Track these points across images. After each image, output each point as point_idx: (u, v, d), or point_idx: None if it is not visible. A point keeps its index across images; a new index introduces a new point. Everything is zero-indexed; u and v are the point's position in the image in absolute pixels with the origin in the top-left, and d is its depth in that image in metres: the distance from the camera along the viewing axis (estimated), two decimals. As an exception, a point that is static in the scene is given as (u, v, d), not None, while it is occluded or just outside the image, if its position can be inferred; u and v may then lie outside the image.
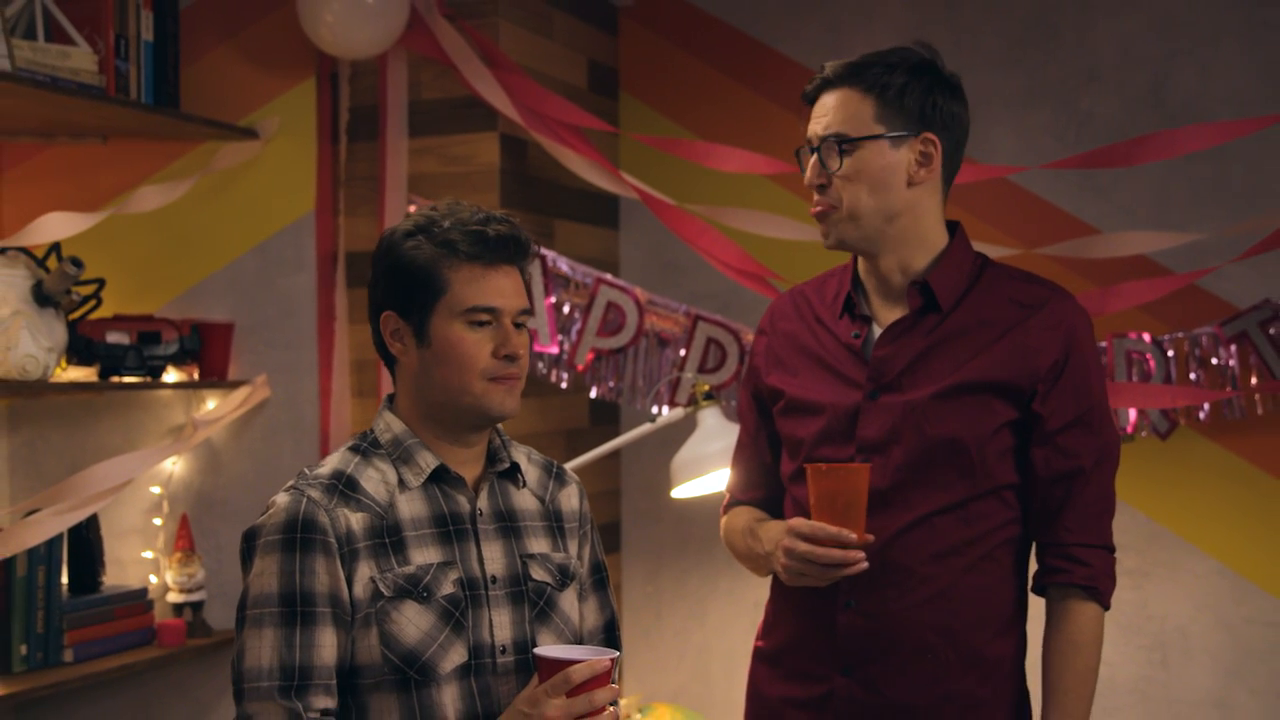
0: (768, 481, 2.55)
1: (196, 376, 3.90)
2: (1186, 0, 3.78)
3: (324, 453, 3.85)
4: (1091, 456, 2.35)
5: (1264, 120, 3.40)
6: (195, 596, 3.85)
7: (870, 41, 3.99)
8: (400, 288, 2.09)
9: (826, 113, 2.36)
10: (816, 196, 2.39)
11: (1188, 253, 3.65)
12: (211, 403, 3.92)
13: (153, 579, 3.90)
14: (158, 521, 3.93)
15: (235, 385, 3.91)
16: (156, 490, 3.93)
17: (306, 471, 2.10)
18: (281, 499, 2.04)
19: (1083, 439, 2.35)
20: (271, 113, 3.94)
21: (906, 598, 2.33)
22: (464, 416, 2.09)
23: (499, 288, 2.08)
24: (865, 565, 2.24)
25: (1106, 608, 2.37)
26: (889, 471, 2.33)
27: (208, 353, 3.91)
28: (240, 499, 3.94)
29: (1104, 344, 3.54)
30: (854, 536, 2.22)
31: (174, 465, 3.93)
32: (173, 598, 3.84)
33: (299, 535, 1.99)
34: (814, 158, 2.37)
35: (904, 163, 2.35)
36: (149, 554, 3.92)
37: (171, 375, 3.82)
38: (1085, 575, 2.35)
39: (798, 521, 2.27)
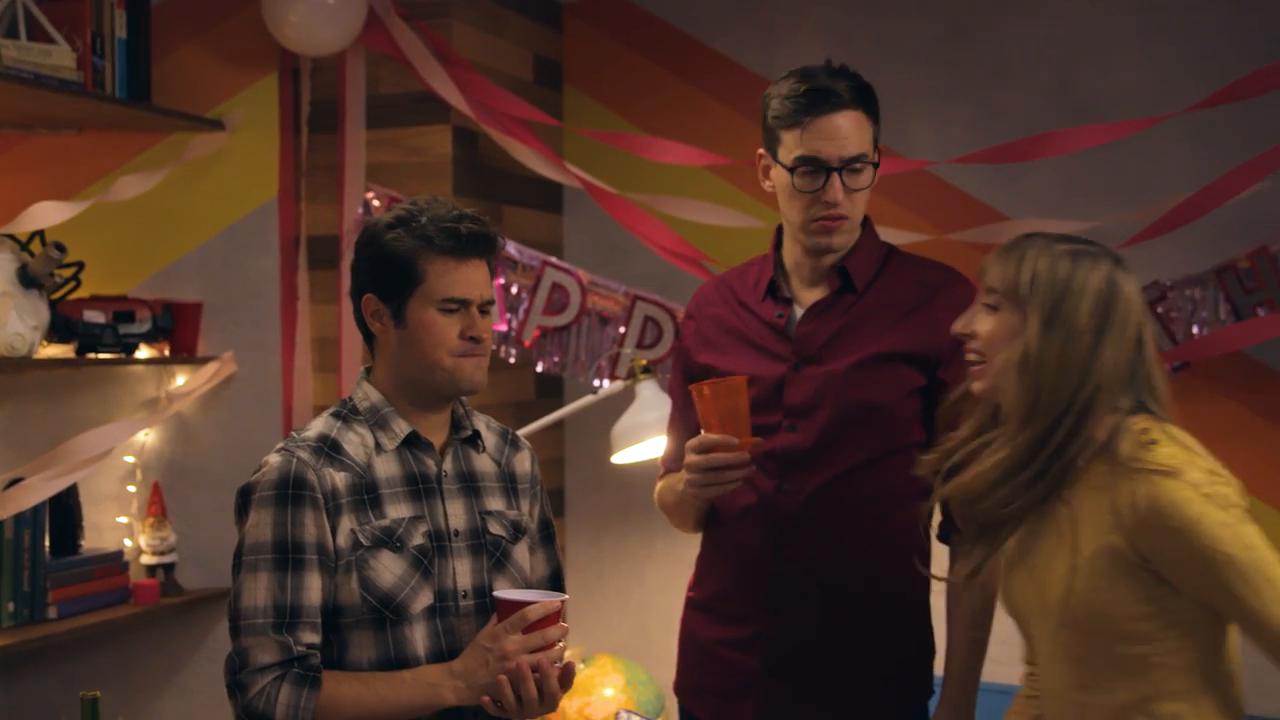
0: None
1: (168, 353, 4.13)
2: (1089, 6, 4.07)
3: (286, 423, 4.11)
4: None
5: (1145, 121, 3.71)
6: (167, 559, 4.09)
7: (799, 40, 4.28)
8: (381, 274, 2.34)
9: (846, 136, 2.56)
10: (828, 210, 2.58)
11: (1091, 237, 3.94)
12: (181, 378, 4.15)
13: (127, 542, 4.13)
14: (132, 489, 4.16)
15: (204, 361, 4.14)
16: (130, 459, 4.15)
17: (295, 435, 2.35)
18: (274, 459, 2.30)
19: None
20: (237, 105, 4.16)
21: (830, 544, 2.61)
22: (436, 389, 2.36)
23: (469, 280, 2.34)
24: (750, 467, 2.47)
25: None
26: (813, 433, 2.61)
27: (178, 331, 4.15)
28: (209, 467, 4.18)
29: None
30: (736, 441, 2.45)
31: (146, 436, 4.16)
32: (146, 560, 4.07)
33: (290, 491, 2.25)
34: (834, 177, 2.56)
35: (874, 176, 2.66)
36: (124, 519, 4.15)
37: (144, 352, 4.04)
38: None
39: (690, 441, 2.51)
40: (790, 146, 2.58)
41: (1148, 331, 2.20)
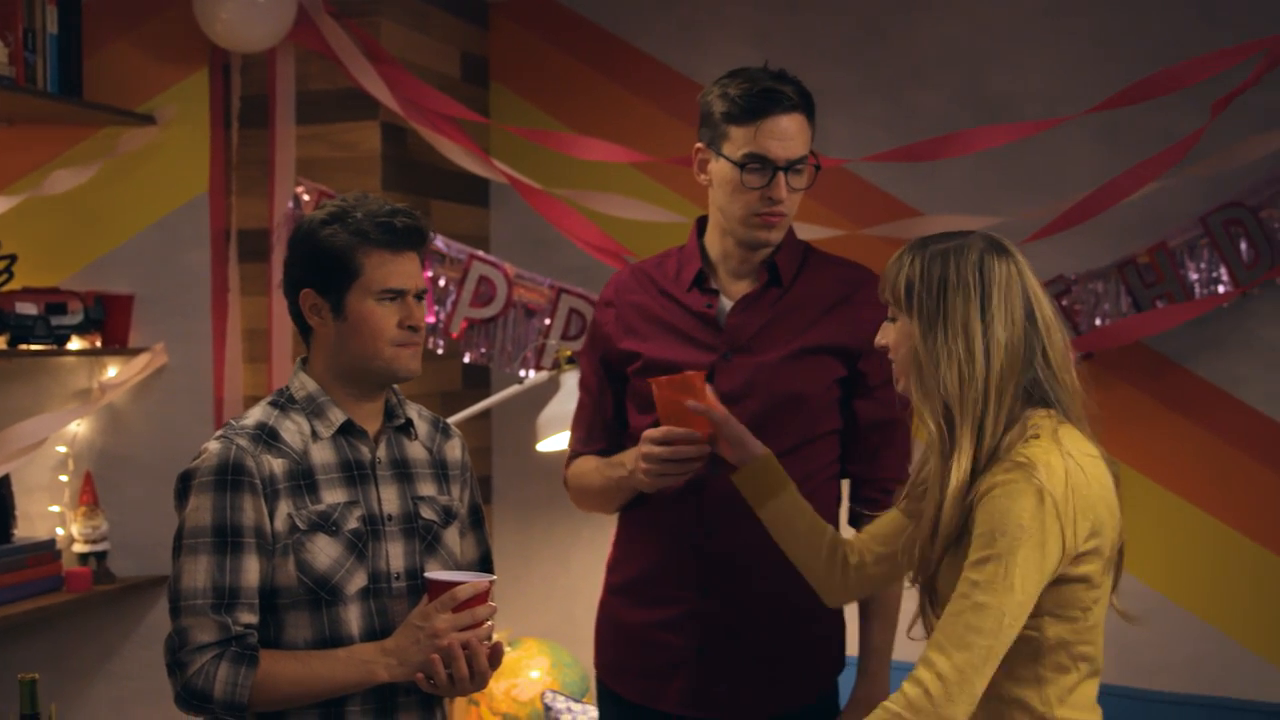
0: (608, 435, 2.90)
1: (99, 344, 4.19)
2: (1001, 7, 4.20)
3: (217, 414, 4.17)
4: (900, 408, 2.81)
5: (1047, 122, 3.85)
6: (99, 547, 4.16)
7: (720, 39, 4.38)
8: (318, 269, 2.43)
9: (793, 137, 2.69)
10: (771, 206, 2.70)
11: (998, 232, 4.05)
12: (113, 369, 4.21)
13: (60, 531, 4.19)
14: (64, 478, 4.22)
15: (135, 352, 4.20)
16: (63, 449, 4.21)
17: (234, 423, 2.44)
18: (214, 446, 2.38)
19: (894, 393, 2.79)
20: (168, 100, 4.22)
21: (757, 525, 2.70)
22: (373, 377, 2.45)
23: (405, 271, 2.44)
24: (705, 460, 2.59)
25: None
26: (744, 420, 2.68)
27: (110, 322, 4.21)
28: (141, 457, 4.24)
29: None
30: (699, 434, 2.57)
31: (78, 426, 4.22)
32: (78, 548, 4.14)
33: (229, 477, 2.34)
34: (780, 175, 2.68)
35: None
36: (56, 508, 4.22)
37: (76, 343, 4.10)
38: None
39: (649, 431, 2.61)
40: (739, 143, 2.69)
41: (1039, 304, 2.25)
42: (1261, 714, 3.62)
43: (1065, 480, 2.15)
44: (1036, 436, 2.19)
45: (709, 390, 2.59)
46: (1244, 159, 3.77)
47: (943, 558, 2.24)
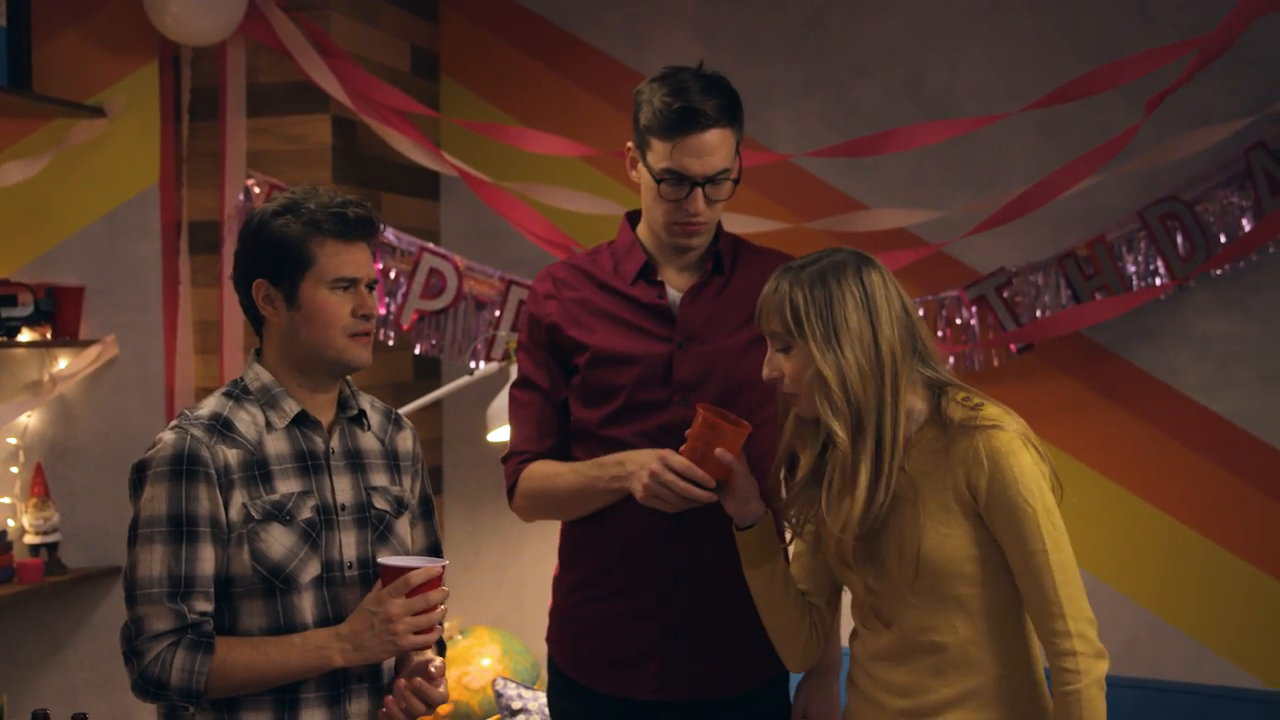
0: (559, 430, 2.88)
1: (50, 336, 4.20)
2: (941, 5, 4.28)
3: (169, 405, 4.20)
4: None
5: (984, 119, 3.93)
6: (51, 538, 4.17)
7: (666, 33, 4.44)
8: (271, 259, 2.46)
9: (712, 152, 2.70)
10: (687, 221, 2.73)
11: (939, 225, 4.16)
12: (64, 361, 4.22)
13: (10, 523, 4.19)
14: (15, 470, 4.23)
15: (86, 344, 4.21)
16: (13, 441, 4.22)
17: (188, 413, 2.46)
18: (168, 436, 2.41)
19: None
20: (118, 93, 4.24)
21: (723, 510, 2.73)
22: (327, 367, 2.49)
23: (357, 260, 2.49)
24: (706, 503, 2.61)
25: None
26: None
27: (60, 314, 4.22)
28: (92, 449, 4.26)
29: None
30: (713, 483, 2.58)
31: (29, 418, 4.23)
32: (30, 539, 4.15)
33: (185, 467, 2.37)
34: (697, 191, 2.70)
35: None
36: (7, 500, 4.22)
37: (26, 335, 4.11)
38: None
39: (672, 456, 2.59)
40: (659, 156, 2.71)
41: (906, 298, 2.46)
42: (1197, 695, 3.70)
43: (1025, 425, 2.42)
44: (980, 404, 2.41)
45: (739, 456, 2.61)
46: (1179, 154, 3.87)
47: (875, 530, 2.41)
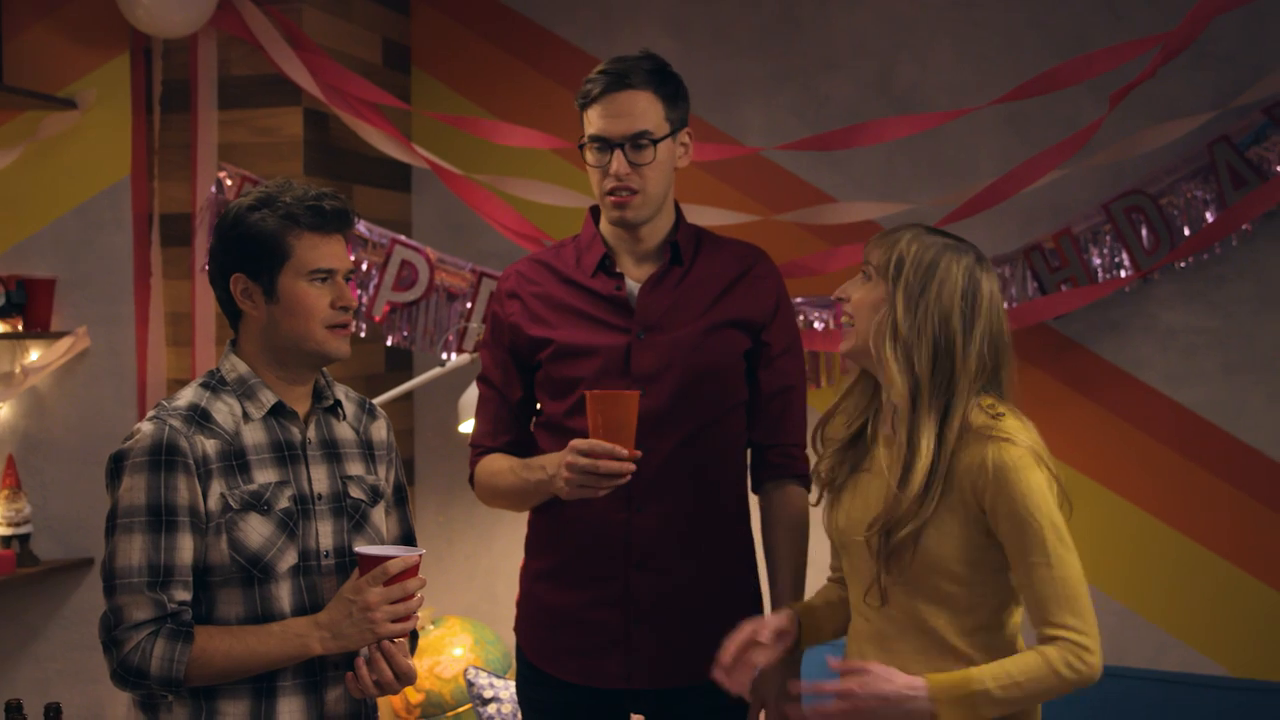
0: (514, 426, 2.95)
1: (21, 328, 4.20)
2: (910, 1, 4.31)
3: (141, 397, 4.20)
4: (798, 376, 2.94)
5: (951, 114, 3.97)
6: (23, 530, 4.16)
7: (638, 26, 4.46)
8: (249, 254, 2.48)
9: (626, 113, 2.77)
10: (616, 184, 2.79)
11: (907, 218, 4.17)
12: (35, 352, 4.22)
13: (-18, 514, 4.20)
14: (-14, 461, 4.23)
15: (58, 336, 4.22)
16: (-15, 433, 4.23)
17: (166, 404, 2.48)
18: (146, 427, 2.42)
19: (792, 362, 2.93)
20: (89, 85, 4.24)
21: (686, 496, 2.81)
22: (306, 359, 2.51)
23: (335, 252, 2.51)
24: (628, 478, 2.63)
25: (810, 491, 2.90)
26: (665, 396, 2.80)
27: (32, 306, 4.22)
28: (64, 440, 4.26)
29: (834, 297, 4.06)
30: (625, 451, 2.61)
31: (0, 410, 4.23)
32: (1, 531, 4.14)
33: (164, 457, 2.38)
34: (617, 152, 2.77)
35: (676, 153, 2.86)
36: (-23, 492, 4.22)
37: (-2, 327, 4.12)
38: (801, 466, 2.92)
39: (577, 441, 2.65)
40: (586, 126, 2.82)
41: (1008, 332, 2.49)
42: (1160, 681, 3.74)
43: (1041, 444, 2.43)
44: (1002, 414, 2.43)
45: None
46: (1144, 148, 3.92)
47: (914, 524, 2.41)
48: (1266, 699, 3.59)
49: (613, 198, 2.81)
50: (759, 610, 2.98)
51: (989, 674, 2.32)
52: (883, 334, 2.44)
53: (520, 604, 3.00)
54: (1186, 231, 3.97)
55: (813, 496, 2.72)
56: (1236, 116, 3.95)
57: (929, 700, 2.33)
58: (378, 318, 4.17)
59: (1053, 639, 2.33)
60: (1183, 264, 4.01)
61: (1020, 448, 2.37)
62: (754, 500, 2.96)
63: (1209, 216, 3.95)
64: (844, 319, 2.54)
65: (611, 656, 2.83)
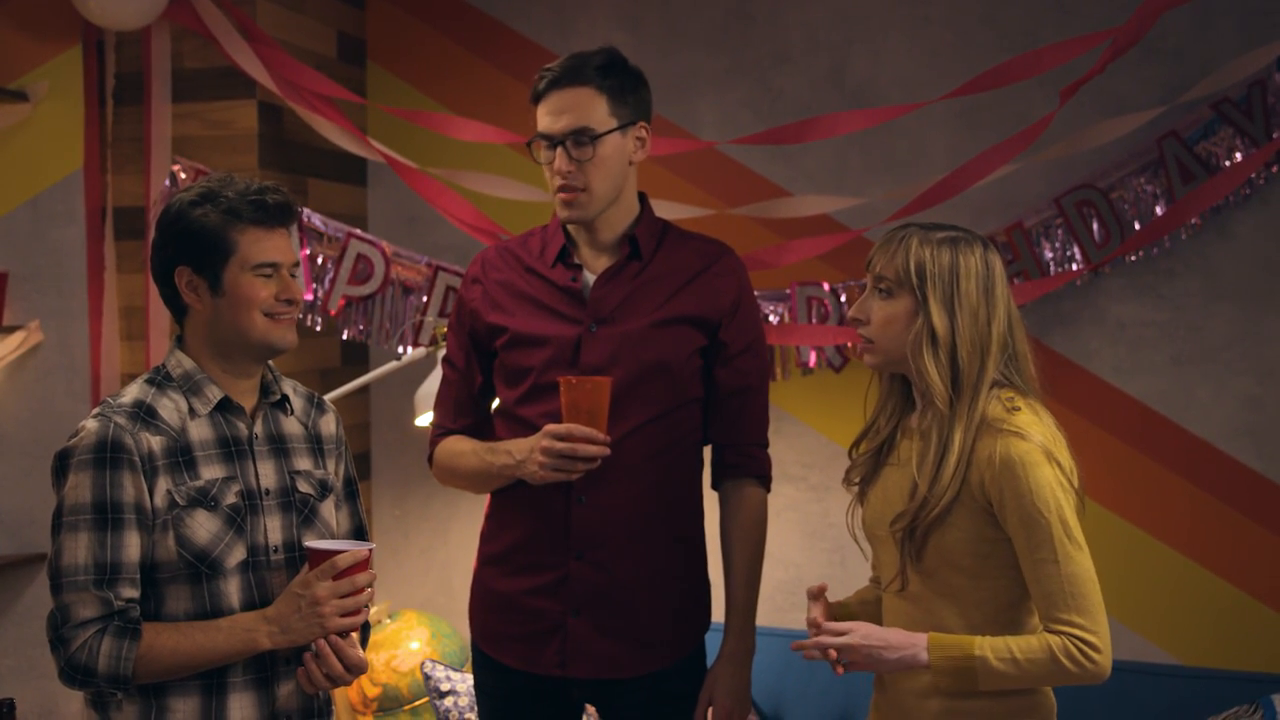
0: (475, 410, 2.99)
1: (-28, 322, 4.18)
2: (861, -5, 4.35)
3: (94, 392, 4.18)
4: (758, 376, 2.95)
5: (903, 108, 3.99)
6: (-25, 525, 4.16)
7: (593, 21, 4.47)
8: (192, 249, 2.47)
9: (568, 110, 2.80)
10: (561, 181, 2.81)
11: (860, 212, 4.22)
12: (-13, 347, 4.21)
13: (-66, 510, 4.18)
14: (-63, 457, 4.21)
15: (10, 330, 4.19)
16: (-64, 428, 4.20)
17: (110, 401, 2.47)
18: (91, 424, 2.42)
19: (752, 361, 2.94)
20: (40, 77, 4.22)
21: (628, 491, 2.82)
22: (252, 351, 2.51)
23: (279, 246, 2.50)
24: (599, 461, 2.69)
25: (769, 491, 2.95)
26: (610, 390, 2.79)
27: (-18, 300, 4.20)
28: (16, 435, 4.24)
29: (788, 290, 4.10)
30: (601, 435, 2.68)
31: (-48, 404, 4.22)
32: (-47, 526, 4.14)
33: (109, 455, 2.38)
34: (559, 150, 2.80)
35: (628, 149, 2.87)
36: (-71, 486, 4.20)
37: (-51, 321, 4.09)
38: (759, 467, 2.94)
39: (552, 426, 2.70)
40: (536, 124, 2.84)
41: (1014, 305, 2.51)
42: (1115, 670, 3.78)
43: (1055, 440, 2.44)
44: (1018, 409, 2.44)
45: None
46: (1094, 143, 3.95)
47: (939, 518, 2.43)
48: (1217, 687, 3.64)
49: (561, 195, 2.83)
50: (706, 609, 3.00)
51: (989, 644, 2.37)
52: (920, 344, 2.45)
53: (472, 588, 3.02)
54: (1136, 225, 4.01)
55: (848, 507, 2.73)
56: (1185, 112, 3.99)
57: (926, 650, 2.39)
58: (333, 311, 4.17)
59: (1058, 634, 2.36)
60: (1132, 257, 4.05)
61: (1029, 443, 2.38)
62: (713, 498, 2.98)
63: (1158, 210, 3.99)
64: (862, 340, 2.54)
65: (550, 644, 2.86)
